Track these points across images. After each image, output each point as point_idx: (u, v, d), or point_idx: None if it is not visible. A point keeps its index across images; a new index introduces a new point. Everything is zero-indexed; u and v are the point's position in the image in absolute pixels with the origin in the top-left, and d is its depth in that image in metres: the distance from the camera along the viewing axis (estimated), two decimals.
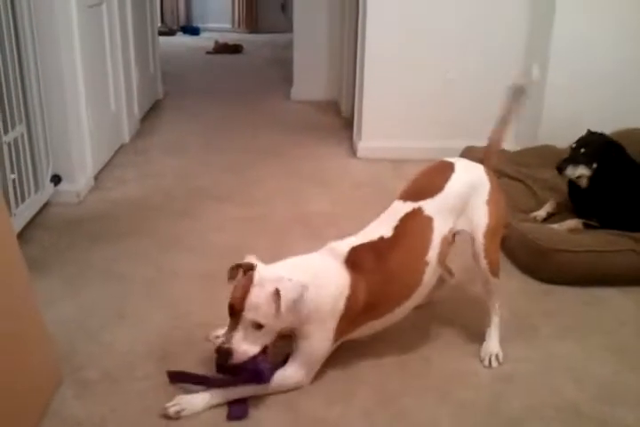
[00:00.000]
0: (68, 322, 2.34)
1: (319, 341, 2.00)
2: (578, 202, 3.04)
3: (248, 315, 1.86)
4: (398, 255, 2.07)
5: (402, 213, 2.13)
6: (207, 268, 2.71)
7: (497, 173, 2.42)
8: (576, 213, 3.01)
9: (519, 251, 2.77)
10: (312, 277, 1.96)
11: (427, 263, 2.11)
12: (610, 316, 2.46)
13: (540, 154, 3.64)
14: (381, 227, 2.14)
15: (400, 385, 2.06)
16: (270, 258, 2.04)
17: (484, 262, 2.16)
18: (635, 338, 2.32)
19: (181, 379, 2.01)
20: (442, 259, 2.16)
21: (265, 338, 1.91)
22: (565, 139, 3.10)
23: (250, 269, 1.95)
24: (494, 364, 2.15)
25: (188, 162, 4.10)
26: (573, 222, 2.90)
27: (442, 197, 2.13)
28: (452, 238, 2.19)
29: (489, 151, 2.31)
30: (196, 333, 2.25)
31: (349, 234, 2.17)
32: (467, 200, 2.15)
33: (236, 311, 1.89)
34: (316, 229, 3.11)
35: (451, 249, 2.21)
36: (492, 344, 2.20)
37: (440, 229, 2.12)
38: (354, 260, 2.04)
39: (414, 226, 2.11)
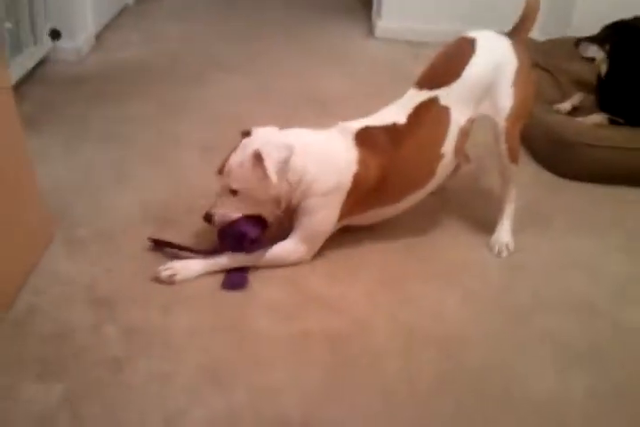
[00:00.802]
0: (63, 182, 2.24)
1: (323, 216, 1.92)
2: (603, 96, 2.88)
3: (223, 180, 1.84)
4: (411, 143, 1.95)
5: (416, 102, 1.97)
6: (210, 137, 2.59)
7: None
8: (601, 108, 2.85)
9: (540, 142, 2.64)
10: (315, 149, 1.88)
11: (442, 155, 1.99)
12: (628, 215, 2.36)
13: (570, 45, 3.43)
14: (394, 114, 1.99)
15: (405, 269, 1.99)
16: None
17: (503, 147, 2.03)
18: None
19: (165, 245, 1.93)
20: (459, 149, 2.04)
21: (249, 204, 1.84)
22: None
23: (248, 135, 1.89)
24: (504, 253, 2.06)
25: (195, 29, 3.86)
26: (599, 117, 2.74)
27: (459, 84, 1.96)
28: (470, 125, 2.04)
29: (523, 20, 2.08)
30: (195, 201, 2.15)
31: (362, 115, 2.03)
32: (489, 83, 1.98)
33: (220, 177, 1.87)
34: (326, 107, 2.95)
35: (468, 137, 2.07)
36: (504, 234, 2.10)
37: (457, 120, 1.98)
38: (364, 138, 1.93)
39: (429, 117, 1.96)
